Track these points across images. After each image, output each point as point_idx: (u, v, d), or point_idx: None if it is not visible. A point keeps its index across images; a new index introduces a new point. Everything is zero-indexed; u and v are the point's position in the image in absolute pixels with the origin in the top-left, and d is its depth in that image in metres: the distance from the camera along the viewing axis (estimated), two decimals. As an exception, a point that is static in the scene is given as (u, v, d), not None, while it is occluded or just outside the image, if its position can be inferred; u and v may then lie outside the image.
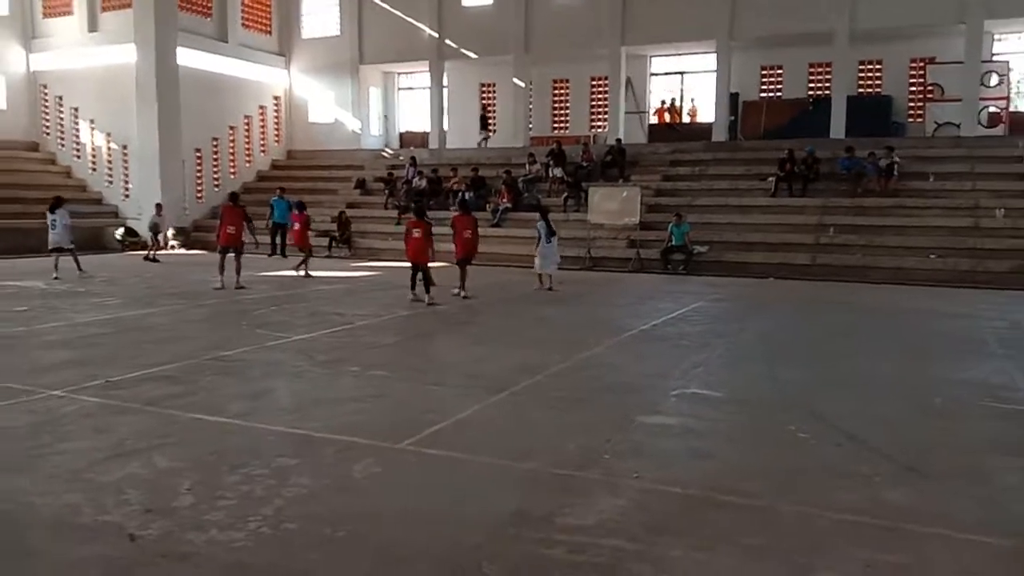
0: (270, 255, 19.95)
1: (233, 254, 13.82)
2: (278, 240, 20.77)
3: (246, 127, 28.08)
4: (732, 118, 24.15)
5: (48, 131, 26.58)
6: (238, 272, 13.81)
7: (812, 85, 24.40)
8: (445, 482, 4.79)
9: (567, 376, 7.59)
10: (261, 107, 28.62)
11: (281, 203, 20.98)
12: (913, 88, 23.42)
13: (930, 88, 22.51)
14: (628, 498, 4.50)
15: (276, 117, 29.29)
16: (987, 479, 4.97)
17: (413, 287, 12.58)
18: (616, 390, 7.07)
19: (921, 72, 22.97)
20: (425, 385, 7.11)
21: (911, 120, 23.34)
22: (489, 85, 28.42)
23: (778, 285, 16.30)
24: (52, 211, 15.59)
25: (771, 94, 24.99)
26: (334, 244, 21.86)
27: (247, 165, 28.16)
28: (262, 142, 28.81)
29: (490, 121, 27.68)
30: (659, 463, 5.14)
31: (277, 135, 29.43)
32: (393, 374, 7.54)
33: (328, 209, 23.02)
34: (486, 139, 26.82)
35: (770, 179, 20.58)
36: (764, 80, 25.00)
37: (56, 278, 14.89)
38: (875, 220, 18.70)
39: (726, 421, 6.15)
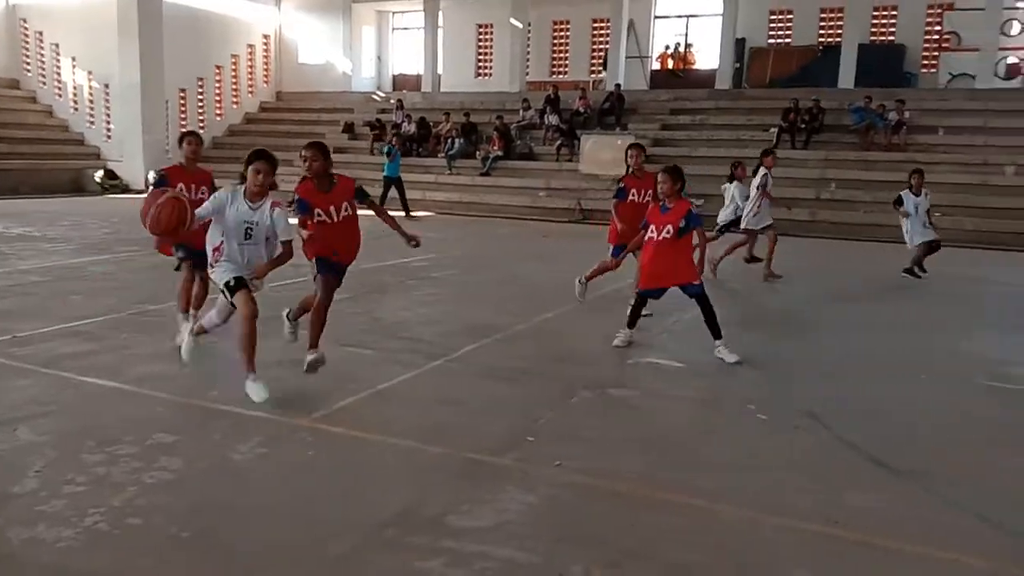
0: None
1: None
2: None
3: (233, 67, 27.08)
4: (737, 65, 23.05)
5: (29, 68, 25.60)
6: None
7: (823, 31, 23.24)
8: (336, 469, 4.16)
9: (518, 341, 6.93)
10: (250, 46, 27.57)
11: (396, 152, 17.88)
12: (928, 37, 22.25)
13: (946, 37, 21.38)
14: (541, 493, 3.87)
15: (265, 57, 28.25)
16: (985, 477, 4.31)
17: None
18: (570, 357, 6.41)
19: (938, 19, 21.85)
20: (357, 349, 6.46)
21: (924, 71, 22.26)
22: (486, 26, 27.30)
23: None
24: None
25: (779, 40, 23.83)
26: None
27: (234, 107, 27.24)
28: (250, 83, 27.83)
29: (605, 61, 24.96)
30: (593, 448, 4.50)
31: (266, 76, 28.42)
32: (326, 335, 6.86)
33: (314, 154, 22.17)
34: (601, 82, 24.53)
35: (772, 130, 19.63)
36: (773, 25, 23.85)
37: None
38: (882, 175, 17.73)
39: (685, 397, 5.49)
